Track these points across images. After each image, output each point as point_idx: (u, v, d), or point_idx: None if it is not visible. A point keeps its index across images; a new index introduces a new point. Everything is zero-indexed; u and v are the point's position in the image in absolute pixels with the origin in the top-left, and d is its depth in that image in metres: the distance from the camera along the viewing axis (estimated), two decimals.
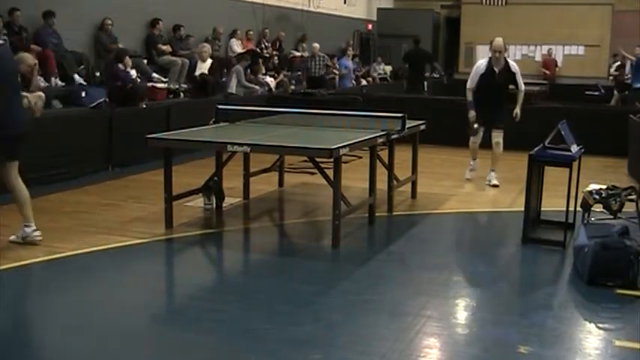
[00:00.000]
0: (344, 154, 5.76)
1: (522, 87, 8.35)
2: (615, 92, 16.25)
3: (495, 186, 8.23)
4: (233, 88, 12.57)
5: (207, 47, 12.32)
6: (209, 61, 12.02)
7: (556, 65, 21.40)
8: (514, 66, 8.28)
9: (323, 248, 6.01)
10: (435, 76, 22.17)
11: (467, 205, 7.48)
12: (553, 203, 6.58)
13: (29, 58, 6.96)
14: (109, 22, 11.34)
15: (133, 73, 10.74)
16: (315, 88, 14.04)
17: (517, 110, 8.32)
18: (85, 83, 10.28)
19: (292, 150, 6.08)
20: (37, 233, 5.67)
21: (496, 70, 8.17)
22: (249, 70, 13.30)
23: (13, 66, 5.66)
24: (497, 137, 8.31)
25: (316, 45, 15.51)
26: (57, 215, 6.64)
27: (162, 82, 11.78)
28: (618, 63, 17.84)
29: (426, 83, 15.23)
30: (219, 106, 7.53)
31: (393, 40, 19.87)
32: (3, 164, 5.50)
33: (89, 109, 9.32)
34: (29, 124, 5.91)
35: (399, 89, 16.53)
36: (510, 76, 8.21)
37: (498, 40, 8.15)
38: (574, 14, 21.58)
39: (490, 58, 8.17)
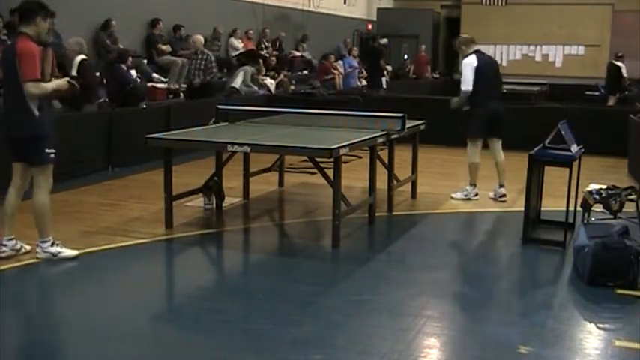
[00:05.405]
0: (344, 154, 5.76)
1: (462, 87, 7.39)
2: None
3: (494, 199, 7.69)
4: (238, 83, 12.60)
5: (74, 42, 9.16)
6: (79, 58, 8.92)
7: (427, 63, 21.13)
8: (464, 62, 7.49)
9: (323, 248, 6.01)
10: (435, 76, 22.22)
11: (467, 205, 7.47)
12: (553, 203, 6.58)
13: None
14: (114, 22, 11.36)
15: (133, 73, 10.76)
16: (196, 96, 11.08)
17: (452, 101, 7.66)
18: None
19: (292, 150, 6.08)
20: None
21: None
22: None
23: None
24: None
25: (199, 37, 11.76)
26: (57, 215, 6.61)
27: (162, 82, 11.78)
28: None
29: (384, 79, 15.24)
30: (219, 106, 7.53)
31: (393, 40, 19.87)
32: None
33: (89, 109, 9.31)
34: (16, 126, 5.24)
35: (399, 89, 16.55)
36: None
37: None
38: (574, 14, 21.56)
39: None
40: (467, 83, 7.37)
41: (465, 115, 7.63)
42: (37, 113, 5.18)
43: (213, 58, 11.49)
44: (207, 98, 10.97)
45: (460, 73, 7.55)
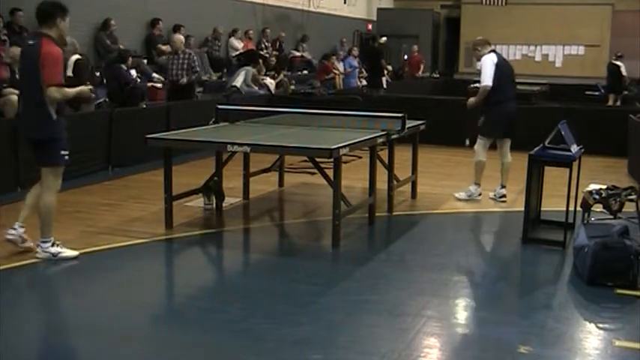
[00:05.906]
0: (344, 154, 5.76)
1: (483, 83, 7.40)
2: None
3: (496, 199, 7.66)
4: (239, 82, 12.60)
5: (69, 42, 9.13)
6: (74, 58, 8.89)
7: (420, 63, 20.94)
8: (483, 59, 7.51)
9: (323, 248, 6.01)
10: (435, 75, 22.23)
11: (467, 205, 7.47)
12: (553, 203, 6.58)
13: None
14: (113, 22, 11.37)
15: (133, 73, 10.75)
16: (177, 98, 10.72)
17: (469, 102, 7.65)
18: None
19: (292, 150, 6.07)
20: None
21: None
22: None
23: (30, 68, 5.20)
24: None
25: (179, 37, 11.26)
26: (57, 215, 6.60)
27: (163, 82, 11.76)
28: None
29: (384, 79, 15.27)
30: (219, 106, 7.53)
31: (393, 40, 19.87)
32: None
33: (87, 110, 9.31)
34: (32, 128, 5.28)
35: (399, 89, 16.56)
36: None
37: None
38: (574, 14, 21.58)
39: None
40: (488, 79, 7.32)
41: (484, 113, 7.50)
42: (54, 116, 5.15)
43: (196, 58, 11.09)
44: (189, 99, 10.78)
45: (478, 72, 7.49)
